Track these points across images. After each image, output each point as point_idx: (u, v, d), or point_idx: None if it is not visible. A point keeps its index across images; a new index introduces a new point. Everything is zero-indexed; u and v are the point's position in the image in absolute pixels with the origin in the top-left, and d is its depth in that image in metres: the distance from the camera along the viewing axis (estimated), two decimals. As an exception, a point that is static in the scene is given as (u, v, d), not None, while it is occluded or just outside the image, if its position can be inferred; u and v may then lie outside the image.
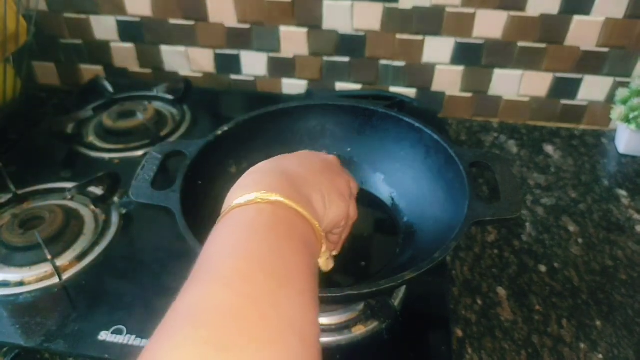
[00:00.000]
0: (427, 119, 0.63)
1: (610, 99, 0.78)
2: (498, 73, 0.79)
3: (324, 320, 0.48)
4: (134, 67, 0.89)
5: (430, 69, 0.80)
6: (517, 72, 0.78)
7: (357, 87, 0.85)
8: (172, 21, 0.82)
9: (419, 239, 0.52)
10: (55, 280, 0.52)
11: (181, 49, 0.85)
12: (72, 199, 0.62)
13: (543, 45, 0.75)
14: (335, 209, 0.38)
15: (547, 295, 0.55)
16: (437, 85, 0.82)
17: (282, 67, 0.84)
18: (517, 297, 0.54)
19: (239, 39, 0.82)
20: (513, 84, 0.80)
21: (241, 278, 0.26)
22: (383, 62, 0.81)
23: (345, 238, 0.45)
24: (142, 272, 0.53)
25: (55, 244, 0.55)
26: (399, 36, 0.77)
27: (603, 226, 0.63)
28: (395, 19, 0.76)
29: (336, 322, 0.48)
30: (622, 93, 0.72)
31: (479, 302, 0.54)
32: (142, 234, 0.58)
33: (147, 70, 0.89)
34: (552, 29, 0.73)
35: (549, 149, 0.77)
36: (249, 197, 0.32)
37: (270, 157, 0.40)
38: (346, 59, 0.82)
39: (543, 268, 0.58)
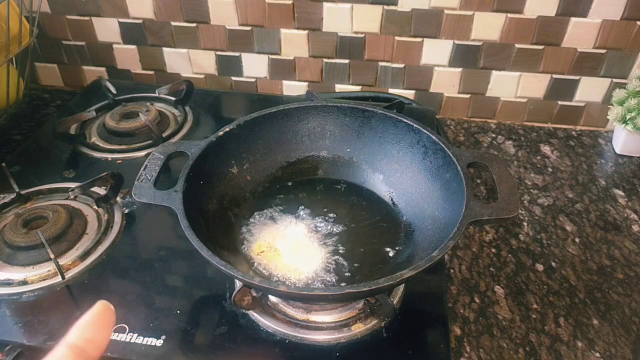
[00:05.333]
0: (426, 120, 0.64)
1: (607, 99, 0.78)
2: (496, 74, 0.79)
3: (324, 318, 0.48)
4: (136, 68, 0.90)
5: (428, 70, 0.81)
6: (515, 74, 0.79)
7: (356, 88, 0.85)
8: (174, 23, 0.83)
9: (418, 238, 0.53)
10: (58, 279, 0.52)
11: (183, 51, 0.86)
12: (75, 199, 0.62)
13: (540, 47, 0.76)
14: None
15: (544, 294, 0.55)
16: (435, 87, 0.83)
17: (282, 68, 0.85)
18: (515, 296, 0.55)
19: (240, 41, 0.83)
20: (511, 86, 0.80)
21: None
22: (382, 64, 0.81)
23: None
24: (144, 271, 0.54)
25: (58, 243, 0.55)
26: (397, 38, 0.78)
27: (600, 226, 0.64)
28: (394, 22, 0.76)
29: (335, 320, 0.48)
30: (619, 94, 0.73)
31: (477, 300, 0.54)
32: (145, 234, 0.59)
33: (150, 72, 0.90)
34: (549, 30, 0.74)
35: (546, 149, 0.78)
36: None
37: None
38: (346, 61, 0.82)
39: (540, 267, 0.58)
